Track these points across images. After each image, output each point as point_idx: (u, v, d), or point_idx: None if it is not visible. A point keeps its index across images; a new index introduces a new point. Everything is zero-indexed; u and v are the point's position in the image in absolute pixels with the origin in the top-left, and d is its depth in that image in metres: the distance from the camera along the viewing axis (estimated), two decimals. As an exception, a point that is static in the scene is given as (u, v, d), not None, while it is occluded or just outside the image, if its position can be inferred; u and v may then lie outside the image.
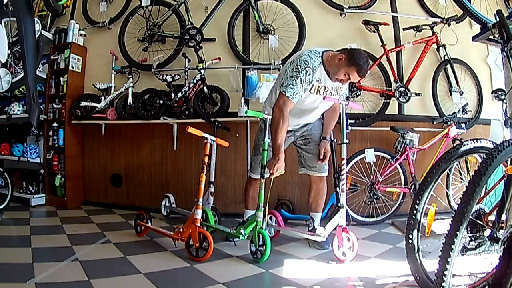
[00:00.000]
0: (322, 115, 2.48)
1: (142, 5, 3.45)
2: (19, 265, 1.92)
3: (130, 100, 3.38)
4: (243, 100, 3.13)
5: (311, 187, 2.48)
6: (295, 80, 2.04)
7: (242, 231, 2.18)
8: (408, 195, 2.96)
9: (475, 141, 1.59)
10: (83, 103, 3.46)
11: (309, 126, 2.45)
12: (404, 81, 3.22)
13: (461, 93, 3.33)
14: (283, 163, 2.04)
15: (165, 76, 3.24)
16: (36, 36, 2.77)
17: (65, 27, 3.68)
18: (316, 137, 2.44)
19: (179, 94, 3.23)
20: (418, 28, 3.23)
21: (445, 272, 1.21)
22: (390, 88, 3.17)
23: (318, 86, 2.12)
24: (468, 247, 1.39)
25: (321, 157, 2.38)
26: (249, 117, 2.86)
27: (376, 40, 3.19)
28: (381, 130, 3.17)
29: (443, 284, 1.21)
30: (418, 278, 1.57)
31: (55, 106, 3.60)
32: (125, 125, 3.51)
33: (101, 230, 2.73)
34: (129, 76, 3.44)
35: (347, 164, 2.63)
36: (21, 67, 3.32)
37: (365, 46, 3.25)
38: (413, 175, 2.88)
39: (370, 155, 2.89)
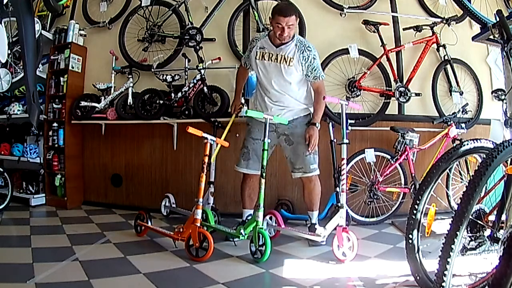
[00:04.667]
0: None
1: (142, 5, 3.44)
2: (19, 265, 1.92)
3: (130, 100, 3.38)
4: (243, 100, 3.13)
5: (303, 187, 2.51)
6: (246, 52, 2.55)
7: (242, 231, 2.18)
8: (408, 195, 2.95)
9: (475, 141, 1.59)
10: (83, 103, 3.46)
11: (291, 124, 2.42)
12: (404, 81, 3.22)
13: (461, 93, 3.33)
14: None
15: (165, 76, 3.24)
16: (36, 36, 2.77)
17: (65, 27, 3.68)
18: (299, 137, 2.42)
19: (179, 94, 3.23)
20: (418, 28, 3.23)
21: (445, 272, 1.21)
22: (390, 88, 3.17)
23: (263, 53, 2.36)
24: (468, 247, 1.39)
25: (306, 142, 2.37)
26: (249, 117, 2.85)
27: (376, 40, 3.19)
28: (381, 130, 3.17)
29: (443, 284, 1.21)
30: (418, 278, 1.57)
31: (55, 106, 3.60)
32: (125, 125, 3.51)
33: (101, 230, 2.73)
34: (129, 76, 3.43)
35: (347, 164, 2.63)
36: (21, 67, 3.31)
37: (365, 46, 3.25)
38: (413, 175, 2.88)
39: (370, 155, 2.89)
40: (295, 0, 3.18)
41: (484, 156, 1.37)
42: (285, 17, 2.19)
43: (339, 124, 2.38)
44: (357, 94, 3.15)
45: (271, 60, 2.35)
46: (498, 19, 1.54)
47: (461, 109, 3.09)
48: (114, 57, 3.55)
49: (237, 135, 3.22)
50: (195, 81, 3.19)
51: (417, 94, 3.20)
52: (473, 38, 1.85)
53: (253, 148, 2.49)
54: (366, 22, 3.17)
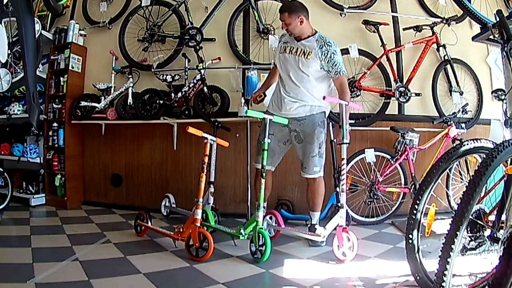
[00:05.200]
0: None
1: (142, 5, 3.44)
2: (19, 265, 1.92)
3: (130, 100, 3.38)
4: (243, 100, 3.13)
5: (307, 186, 2.52)
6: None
7: (242, 231, 2.18)
8: (408, 195, 2.95)
9: (475, 141, 1.59)
10: (83, 103, 3.46)
11: (303, 122, 2.43)
12: (404, 81, 3.22)
13: (461, 93, 3.33)
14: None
15: (165, 76, 3.24)
16: (36, 36, 2.77)
17: (65, 27, 3.68)
18: (308, 136, 2.43)
19: (179, 94, 3.23)
20: (418, 28, 3.23)
21: (445, 272, 1.21)
22: (390, 88, 3.17)
23: (285, 47, 2.49)
24: (468, 247, 1.39)
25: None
26: (249, 117, 2.86)
27: (376, 40, 3.19)
28: (381, 130, 3.17)
29: (443, 284, 1.21)
30: (418, 278, 1.57)
31: (55, 106, 3.60)
32: (125, 125, 3.51)
33: (101, 230, 2.73)
34: (129, 76, 3.43)
35: (347, 164, 2.63)
36: (21, 67, 3.31)
37: (365, 46, 3.25)
38: (413, 175, 2.88)
39: (370, 155, 2.89)
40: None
41: (484, 156, 1.37)
42: (280, 13, 2.40)
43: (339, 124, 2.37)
44: (357, 94, 3.15)
45: (291, 53, 2.44)
46: (498, 19, 1.54)
47: (461, 109, 3.09)
48: (114, 57, 3.55)
49: (237, 135, 3.23)
50: (195, 81, 3.19)
51: (417, 94, 3.20)
52: (473, 38, 1.85)
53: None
54: (366, 22, 3.17)
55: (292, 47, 2.45)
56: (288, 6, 2.42)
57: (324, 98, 2.34)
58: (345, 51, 3.15)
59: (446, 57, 3.28)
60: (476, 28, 2.69)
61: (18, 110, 3.75)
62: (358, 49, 3.15)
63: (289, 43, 2.48)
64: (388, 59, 3.16)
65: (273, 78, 2.72)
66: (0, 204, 3.23)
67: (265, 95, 2.66)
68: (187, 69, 3.28)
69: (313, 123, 2.43)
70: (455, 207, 1.48)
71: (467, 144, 1.60)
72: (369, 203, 2.92)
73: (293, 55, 2.43)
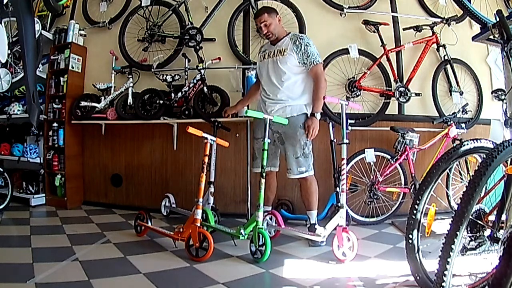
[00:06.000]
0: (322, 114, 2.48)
1: (142, 5, 3.44)
2: (19, 265, 1.92)
3: (130, 100, 3.38)
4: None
5: (300, 186, 2.54)
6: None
7: (242, 231, 2.18)
8: (408, 195, 2.96)
9: (475, 141, 1.59)
10: (83, 103, 3.46)
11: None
12: (404, 81, 3.22)
13: (461, 93, 3.33)
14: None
15: (165, 76, 3.24)
16: (36, 36, 2.77)
17: (65, 27, 3.68)
18: (289, 138, 2.44)
19: (179, 94, 3.23)
20: (418, 28, 3.23)
21: (445, 272, 1.21)
22: (390, 88, 3.17)
23: (264, 55, 2.59)
24: (468, 247, 1.39)
25: (306, 132, 2.42)
26: (249, 117, 2.86)
27: (376, 40, 3.19)
28: (381, 130, 3.17)
29: (443, 284, 1.21)
30: (418, 278, 1.57)
31: (55, 106, 3.60)
32: (125, 125, 3.51)
33: (101, 230, 2.73)
34: (129, 76, 3.43)
35: (347, 164, 2.64)
36: (21, 67, 3.31)
37: (365, 46, 3.25)
38: (413, 175, 2.88)
39: (370, 155, 2.89)
40: (295, 0, 3.19)
41: (484, 156, 1.37)
42: (256, 17, 2.52)
43: (339, 124, 2.37)
44: (357, 94, 3.15)
45: (269, 57, 2.54)
46: (498, 19, 1.54)
47: (461, 109, 3.09)
48: (114, 57, 3.55)
49: (237, 135, 3.23)
50: (195, 81, 3.19)
51: (417, 94, 3.20)
52: (473, 38, 1.85)
53: (257, 147, 2.55)
54: (366, 22, 3.17)
55: (270, 52, 2.54)
56: (264, 8, 2.57)
57: (324, 98, 2.34)
58: (345, 51, 3.15)
59: (446, 57, 3.28)
60: (476, 28, 2.69)
61: (18, 110, 3.75)
62: (358, 49, 3.15)
63: (267, 50, 2.58)
64: (388, 59, 3.16)
65: (254, 93, 2.79)
66: (0, 204, 3.23)
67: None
68: (187, 69, 3.27)
69: (295, 125, 2.43)
70: (455, 207, 1.48)
71: (467, 144, 1.59)
72: (369, 203, 2.92)
73: (271, 58, 2.52)
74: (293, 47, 2.42)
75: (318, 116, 2.42)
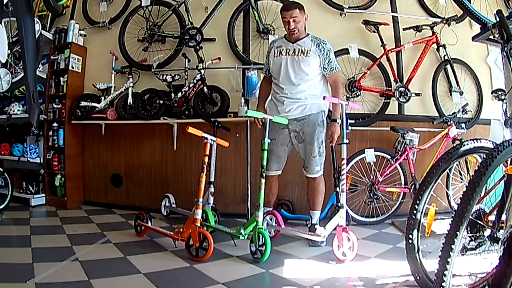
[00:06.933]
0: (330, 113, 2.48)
1: (142, 5, 3.44)
2: (19, 265, 1.92)
3: (130, 100, 3.38)
4: (243, 100, 3.13)
5: (308, 185, 2.53)
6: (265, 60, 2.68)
7: (242, 231, 2.19)
8: (408, 195, 2.95)
9: (475, 141, 1.59)
10: (83, 103, 3.46)
11: (302, 122, 2.43)
12: (404, 81, 3.22)
13: (461, 93, 3.33)
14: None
15: (165, 76, 3.24)
16: (36, 36, 2.77)
17: (65, 27, 3.68)
18: (308, 136, 2.44)
19: (179, 94, 3.23)
20: (418, 28, 3.23)
21: (445, 272, 1.21)
22: (390, 88, 3.17)
23: (280, 50, 2.50)
24: (468, 247, 1.39)
25: (329, 139, 2.47)
26: (249, 117, 2.87)
27: (376, 40, 3.19)
28: (381, 130, 3.17)
29: (443, 284, 1.21)
30: (418, 278, 1.57)
31: (55, 106, 3.60)
32: (125, 125, 3.51)
33: (101, 230, 2.73)
34: (129, 76, 3.43)
35: (347, 164, 2.63)
36: (21, 67, 3.31)
37: (365, 46, 3.25)
38: (413, 175, 2.88)
39: (370, 155, 2.89)
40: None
41: (484, 156, 1.37)
42: (288, 11, 2.40)
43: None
44: (357, 94, 3.15)
45: (289, 55, 2.46)
46: (498, 19, 1.54)
47: (461, 109, 3.09)
48: (114, 57, 3.55)
49: (237, 135, 3.22)
50: (195, 81, 3.19)
51: (417, 94, 3.20)
52: (473, 38, 1.85)
53: (271, 149, 2.48)
54: (366, 22, 3.17)
55: (288, 49, 2.47)
56: (296, 3, 2.46)
57: (324, 98, 2.35)
58: (345, 51, 3.15)
59: (446, 57, 3.28)
60: (476, 28, 2.69)
61: (18, 110, 3.75)
62: (358, 49, 3.15)
63: (283, 46, 2.50)
64: (388, 59, 3.16)
65: (269, 91, 2.66)
66: (0, 204, 3.23)
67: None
68: (187, 69, 3.27)
69: (313, 123, 2.44)
70: (455, 207, 1.48)
71: (467, 144, 1.59)
72: (369, 203, 2.92)
73: (291, 56, 2.45)
74: (316, 50, 2.42)
75: (339, 121, 2.41)
